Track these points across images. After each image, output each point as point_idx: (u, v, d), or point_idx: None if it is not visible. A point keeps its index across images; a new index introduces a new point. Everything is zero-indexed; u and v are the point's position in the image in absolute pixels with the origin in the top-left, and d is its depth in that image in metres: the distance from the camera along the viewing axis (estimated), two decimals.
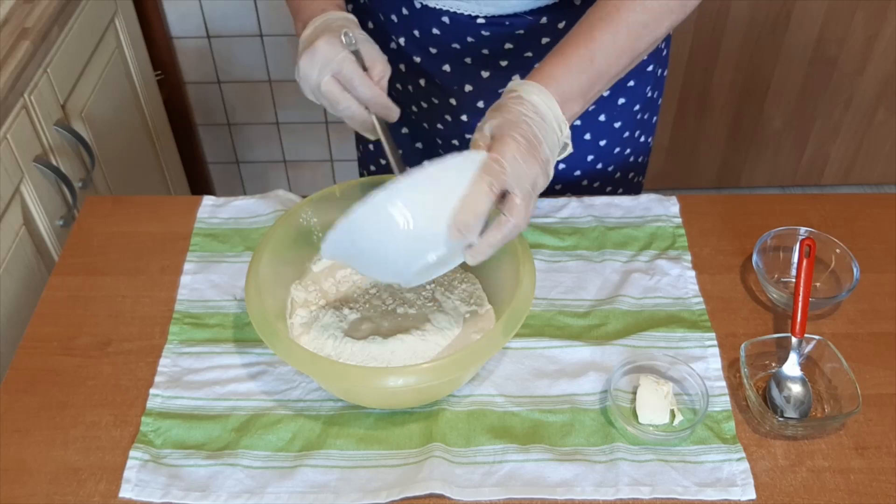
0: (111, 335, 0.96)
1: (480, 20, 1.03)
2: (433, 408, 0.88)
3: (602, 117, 1.16)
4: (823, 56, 2.25)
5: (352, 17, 0.95)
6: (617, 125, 1.18)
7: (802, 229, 1.02)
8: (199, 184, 2.37)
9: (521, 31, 1.03)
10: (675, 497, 0.81)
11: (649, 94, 1.18)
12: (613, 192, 1.25)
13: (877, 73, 2.28)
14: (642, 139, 1.23)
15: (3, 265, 1.27)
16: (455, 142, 1.18)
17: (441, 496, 0.81)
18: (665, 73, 1.20)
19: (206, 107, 2.27)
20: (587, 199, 1.12)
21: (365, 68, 0.89)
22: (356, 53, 0.88)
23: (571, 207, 1.10)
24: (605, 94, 1.14)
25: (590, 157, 1.19)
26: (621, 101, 1.16)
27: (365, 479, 0.83)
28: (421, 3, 1.04)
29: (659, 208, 1.11)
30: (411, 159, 1.25)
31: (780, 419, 0.86)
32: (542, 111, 0.80)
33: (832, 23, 2.18)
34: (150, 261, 1.05)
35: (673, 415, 0.87)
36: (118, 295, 1.01)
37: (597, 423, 0.88)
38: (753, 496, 0.82)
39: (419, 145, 1.24)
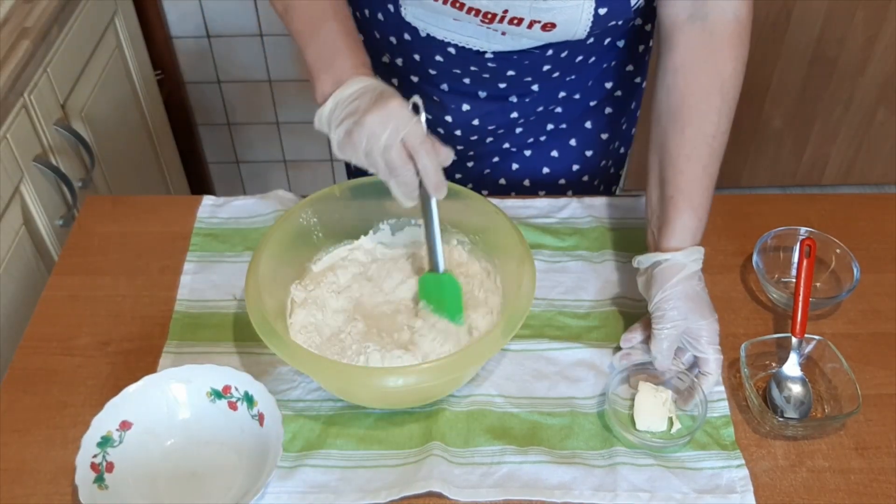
0: (111, 335, 0.96)
1: (488, 55, 1.02)
2: (433, 408, 0.88)
3: (588, 124, 1.17)
4: (824, 56, 2.25)
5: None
6: (604, 136, 1.18)
7: (803, 229, 1.02)
8: (199, 183, 2.37)
9: (527, 62, 1.03)
10: (673, 503, 0.81)
11: (633, 106, 1.20)
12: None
13: (877, 74, 2.28)
14: (622, 150, 1.24)
15: (2, 265, 1.27)
16: None
17: (440, 496, 0.81)
18: (644, 85, 1.20)
19: (206, 106, 2.27)
20: (587, 200, 1.12)
21: None
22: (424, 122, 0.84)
23: (572, 208, 1.10)
24: (592, 103, 1.15)
25: (575, 167, 1.20)
26: (608, 110, 1.16)
27: (365, 479, 0.83)
28: (427, 33, 1.02)
29: None
30: None
31: (780, 419, 0.86)
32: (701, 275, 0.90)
33: (832, 23, 2.18)
34: (150, 260, 1.05)
35: (671, 422, 0.87)
36: (118, 295, 1.01)
37: (596, 426, 0.87)
38: (753, 502, 0.81)
39: None
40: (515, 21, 0.93)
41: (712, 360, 0.88)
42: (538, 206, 1.11)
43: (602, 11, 0.92)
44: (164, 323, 0.97)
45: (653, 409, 0.87)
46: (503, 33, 0.97)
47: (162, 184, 2.01)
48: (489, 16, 0.93)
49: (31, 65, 1.35)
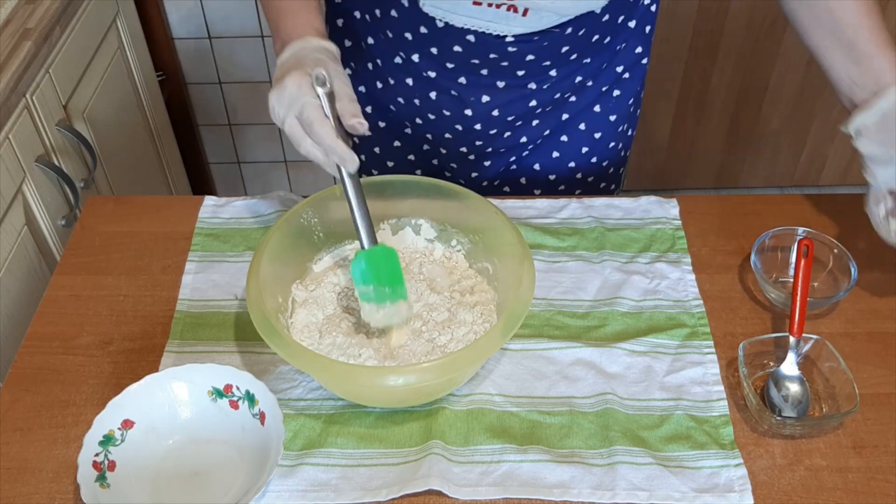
0: (113, 334, 0.97)
1: (509, 39, 1.02)
2: (433, 406, 0.89)
3: (597, 108, 1.17)
4: None
5: (330, 46, 0.91)
6: (612, 118, 1.19)
7: (800, 229, 1.02)
8: (201, 184, 2.37)
9: (546, 44, 1.04)
10: (672, 502, 0.81)
11: (630, 103, 1.20)
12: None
13: None
14: (619, 146, 1.25)
15: (5, 265, 1.27)
16: (463, 149, 1.18)
17: (440, 494, 0.81)
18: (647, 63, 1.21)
19: (208, 107, 2.28)
20: (587, 200, 1.12)
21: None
22: (329, 95, 0.85)
23: (571, 208, 1.11)
24: (604, 88, 1.16)
25: (584, 149, 1.21)
26: (616, 92, 1.17)
27: (365, 478, 0.83)
28: (444, 22, 1.02)
29: (659, 210, 1.11)
30: (402, 168, 1.26)
31: (778, 418, 0.87)
32: None
33: None
34: (152, 260, 1.05)
35: None
36: (120, 294, 1.01)
37: (595, 425, 0.88)
38: (751, 502, 0.82)
39: (411, 157, 1.24)
40: None
41: None
42: (538, 207, 1.11)
43: None
44: (165, 322, 0.98)
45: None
46: (525, 12, 0.98)
47: (163, 184, 2.02)
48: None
49: (34, 66, 1.35)
